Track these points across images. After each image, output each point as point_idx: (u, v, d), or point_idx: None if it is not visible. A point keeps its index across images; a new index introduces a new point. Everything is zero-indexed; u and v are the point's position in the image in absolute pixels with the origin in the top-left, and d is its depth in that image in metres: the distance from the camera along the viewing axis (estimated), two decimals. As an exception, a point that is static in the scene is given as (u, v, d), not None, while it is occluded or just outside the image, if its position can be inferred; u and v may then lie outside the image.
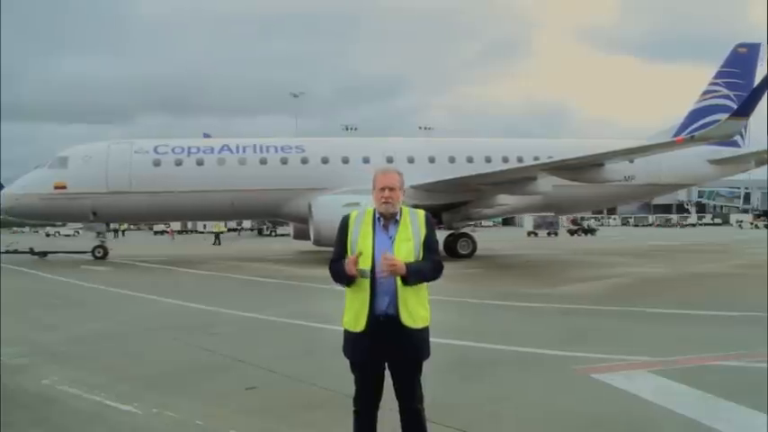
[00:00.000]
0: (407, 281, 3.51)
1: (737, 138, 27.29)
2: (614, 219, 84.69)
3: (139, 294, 13.01)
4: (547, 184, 21.03)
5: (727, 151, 26.34)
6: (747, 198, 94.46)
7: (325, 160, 23.19)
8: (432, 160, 23.10)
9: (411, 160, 23.04)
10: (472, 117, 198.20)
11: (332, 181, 22.11)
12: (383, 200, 3.62)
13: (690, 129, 25.05)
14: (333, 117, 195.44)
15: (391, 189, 3.62)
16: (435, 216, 19.13)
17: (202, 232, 54.57)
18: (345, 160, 23.21)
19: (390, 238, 3.61)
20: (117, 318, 10.48)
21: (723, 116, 26.53)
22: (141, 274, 18.43)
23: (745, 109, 18.43)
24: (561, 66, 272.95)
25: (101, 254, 23.53)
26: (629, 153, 20.55)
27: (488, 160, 23.57)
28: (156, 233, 63.67)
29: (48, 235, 56.50)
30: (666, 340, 7.99)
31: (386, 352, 3.58)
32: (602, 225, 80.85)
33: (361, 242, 3.58)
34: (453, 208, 22.40)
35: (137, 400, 5.55)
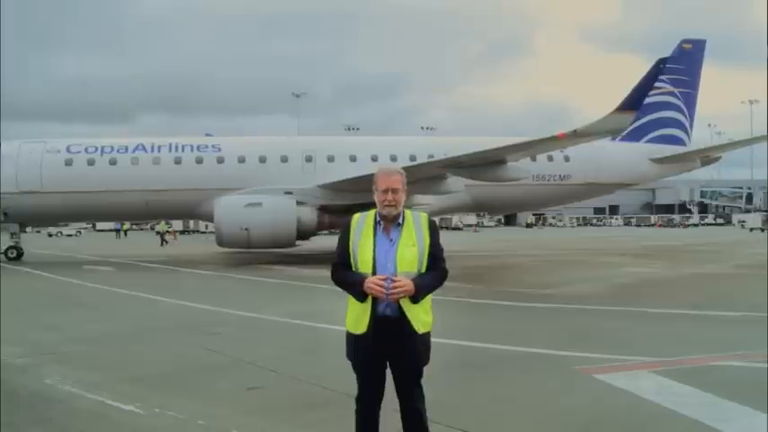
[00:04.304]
0: (416, 299, 3.44)
1: (683, 136, 27.10)
2: (616, 219, 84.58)
3: (141, 294, 13.01)
4: (457, 183, 20.48)
5: (670, 150, 26.10)
6: (750, 198, 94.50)
7: (241, 159, 22.67)
8: (353, 159, 22.45)
9: (331, 159, 22.64)
10: (474, 117, 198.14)
11: (248, 181, 21.60)
12: (386, 202, 3.53)
13: (633, 126, 24.09)
14: (334, 116, 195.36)
15: (394, 191, 3.53)
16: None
17: (204, 232, 54.40)
18: (263, 159, 22.70)
19: (392, 241, 3.53)
20: (119, 318, 10.49)
21: (667, 113, 26.26)
22: (143, 274, 18.42)
23: (631, 103, 17.88)
24: (563, 65, 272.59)
25: (14, 255, 22.75)
26: (518, 150, 19.52)
27: (413, 158, 22.44)
28: (158, 233, 63.55)
29: (50, 235, 55.98)
30: (668, 340, 8.00)
31: (387, 353, 3.55)
32: (604, 225, 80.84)
33: (362, 246, 3.52)
34: (364, 208, 21.78)
35: (139, 399, 5.55)
